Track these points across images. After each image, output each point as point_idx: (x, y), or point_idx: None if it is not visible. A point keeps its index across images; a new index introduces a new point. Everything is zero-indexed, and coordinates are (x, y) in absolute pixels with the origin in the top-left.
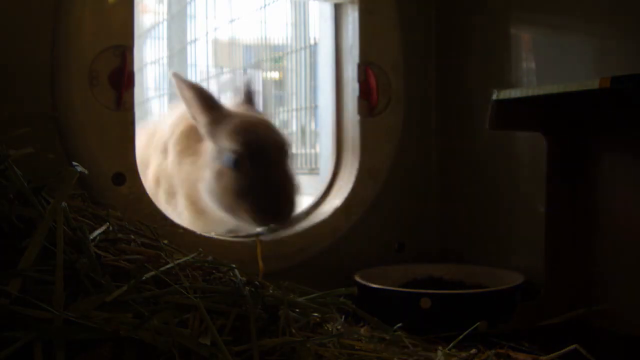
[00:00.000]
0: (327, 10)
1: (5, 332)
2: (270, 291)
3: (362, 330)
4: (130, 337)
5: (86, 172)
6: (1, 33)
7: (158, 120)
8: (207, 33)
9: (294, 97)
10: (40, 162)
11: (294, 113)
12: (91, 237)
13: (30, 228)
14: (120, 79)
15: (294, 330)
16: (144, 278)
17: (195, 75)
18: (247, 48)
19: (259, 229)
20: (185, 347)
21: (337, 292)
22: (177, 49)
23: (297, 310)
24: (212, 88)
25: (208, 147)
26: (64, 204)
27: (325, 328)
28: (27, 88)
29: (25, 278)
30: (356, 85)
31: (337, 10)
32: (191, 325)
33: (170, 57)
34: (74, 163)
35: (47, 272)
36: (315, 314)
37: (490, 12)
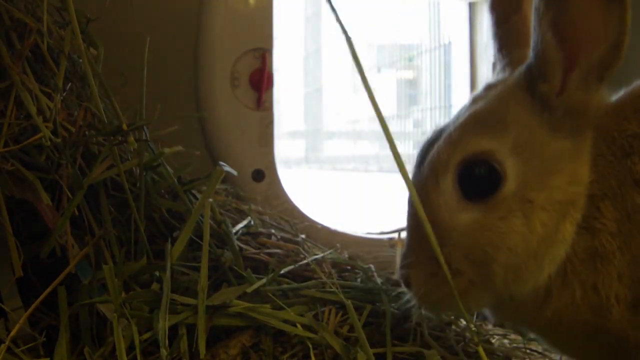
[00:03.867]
0: (462, 9)
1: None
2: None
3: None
4: (268, 326)
5: (235, 173)
6: (148, 38)
7: None
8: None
9: (428, 96)
10: (185, 158)
11: (428, 112)
12: (234, 231)
13: (178, 221)
14: (261, 80)
15: (425, 330)
16: (282, 272)
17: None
18: (381, 48)
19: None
20: (318, 340)
21: None
22: (312, 50)
23: None
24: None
25: None
26: (210, 200)
27: (455, 328)
28: (173, 89)
29: (174, 267)
30: None
31: (472, 9)
32: (326, 319)
33: (306, 58)
34: (221, 163)
35: (193, 261)
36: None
37: None
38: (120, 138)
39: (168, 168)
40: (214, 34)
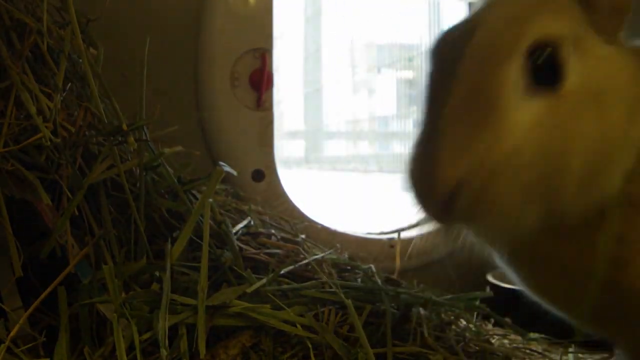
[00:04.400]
0: (462, 9)
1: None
2: (404, 289)
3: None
4: (268, 326)
5: (235, 173)
6: (148, 38)
7: None
8: (341, 34)
9: None
10: (185, 158)
11: None
12: (234, 231)
13: (178, 221)
14: (261, 80)
15: (425, 330)
16: (282, 272)
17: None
18: (381, 48)
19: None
20: (319, 340)
21: (472, 295)
22: (312, 50)
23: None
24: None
25: None
26: (210, 200)
27: (455, 328)
28: (173, 89)
29: (174, 267)
30: None
31: (472, 9)
32: (326, 319)
33: (306, 58)
34: (221, 163)
35: (193, 261)
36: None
37: None
38: (120, 138)
39: (168, 168)
40: (214, 34)
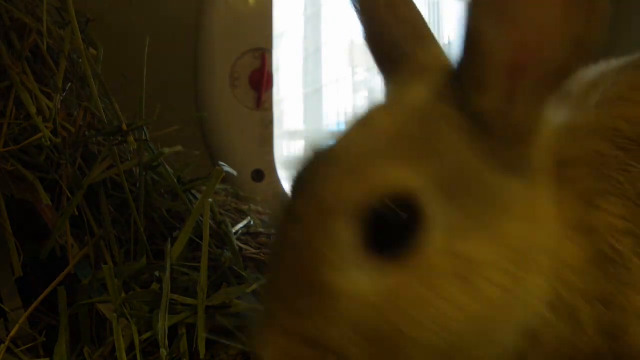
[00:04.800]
0: (462, 9)
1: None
2: None
3: None
4: None
5: (235, 173)
6: (148, 38)
7: None
8: (341, 34)
9: None
10: (185, 157)
11: None
12: (234, 231)
13: (178, 221)
14: (261, 80)
15: None
16: None
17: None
18: None
19: None
20: None
21: None
22: (312, 50)
23: None
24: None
25: None
26: (210, 200)
27: None
28: (173, 89)
29: (174, 267)
30: None
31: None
32: None
33: (306, 58)
34: (221, 163)
35: (193, 261)
36: None
37: None
38: (120, 138)
39: (168, 168)
40: (214, 34)
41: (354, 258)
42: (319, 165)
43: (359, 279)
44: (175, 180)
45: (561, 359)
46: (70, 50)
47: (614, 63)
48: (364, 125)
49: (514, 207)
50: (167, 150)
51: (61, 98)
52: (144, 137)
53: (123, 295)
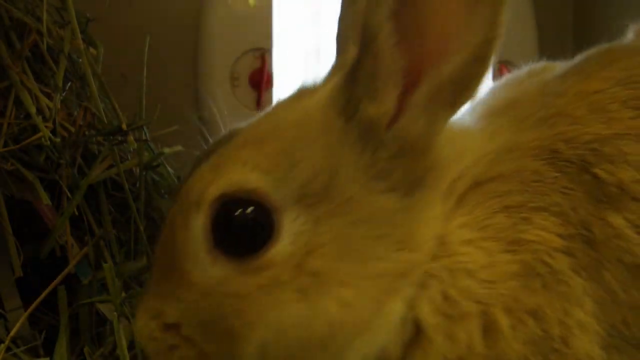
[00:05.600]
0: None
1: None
2: None
3: None
4: None
5: None
6: (148, 38)
7: None
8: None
9: None
10: (185, 157)
11: None
12: None
13: None
14: (260, 80)
15: None
16: None
17: None
18: None
19: None
20: None
21: None
22: (312, 50)
23: None
24: None
25: None
26: None
27: None
28: (173, 89)
29: None
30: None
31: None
32: None
33: (306, 58)
34: None
35: None
36: None
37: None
38: (120, 138)
39: (168, 168)
40: (214, 34)
41: (206, 252)
42: (200, 158)
43: (207, 272)
44: (175, 180)
45: None
46: (70, 49)
47: (561, 67)
48: (259, 117)
49: (385, 227)
50: (167, 150)
51: (61, 98)
52: (144, 137)
53: (123, 294)
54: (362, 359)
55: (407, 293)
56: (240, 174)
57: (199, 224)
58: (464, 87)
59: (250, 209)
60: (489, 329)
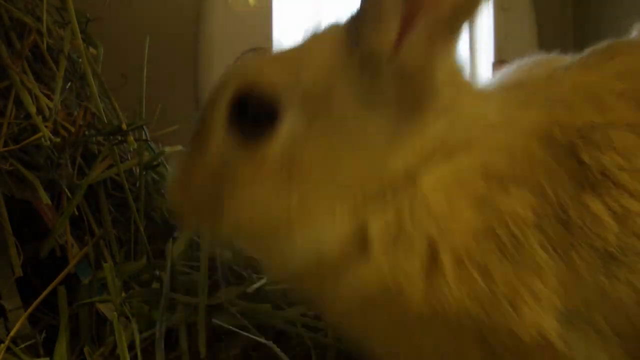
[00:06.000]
0: None
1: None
2: None
3: None
4: (269, 326)
5: None
6: (148, 37)
7: None
8: None
9: None
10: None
11: None
12: None
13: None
14: None
15: None
16: None
17: None
18: None
19: None
20: (320, 339)
21: None
22: None
23: None
24: None
25: None
26: None
27: None
28: (173, 89)
29: (174, 267)
30: None
31: None
32: None
33: None
34: None
35: (193, 261)
36: None
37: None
38: (120, 138)
39: (168, 168)
40: (214, 34)
41: (223, 127)
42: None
43: (218, 146)
44: None
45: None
46: (70, 49)
47: (567, 60)
48: (293, 45)
49: (365, 148)
50: (167, 150)
51: (61, 98)
52: (144, 137)
53: (123, 294)
54: (302, 255)
55: (364, 211)
56: (259, 68)
57: (223, 105)
58: (463, 12)
59: (261, 99)
60: (433, 268)
